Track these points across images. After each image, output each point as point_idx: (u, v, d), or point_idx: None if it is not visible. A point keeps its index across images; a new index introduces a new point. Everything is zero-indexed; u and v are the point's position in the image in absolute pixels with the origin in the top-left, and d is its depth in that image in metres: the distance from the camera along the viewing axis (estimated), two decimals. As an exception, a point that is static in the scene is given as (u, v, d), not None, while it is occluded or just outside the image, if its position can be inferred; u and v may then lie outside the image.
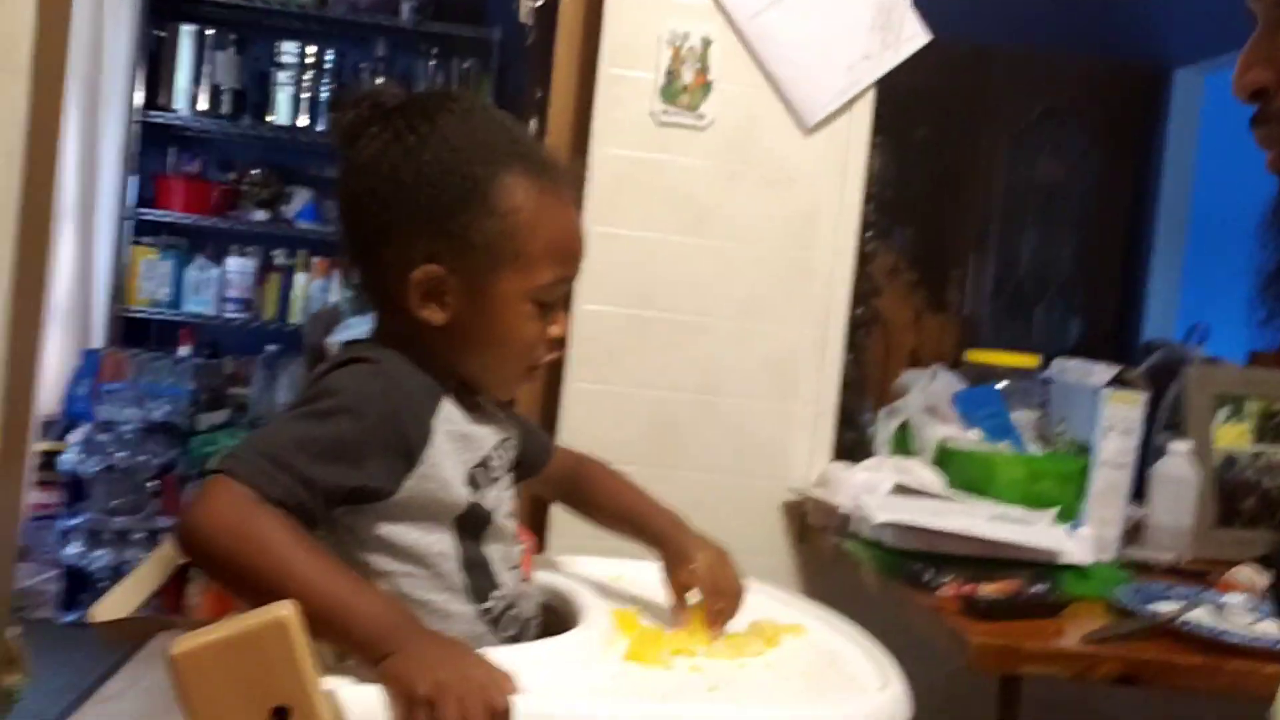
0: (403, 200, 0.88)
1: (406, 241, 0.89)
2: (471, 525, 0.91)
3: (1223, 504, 1.81)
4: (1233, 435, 1.85)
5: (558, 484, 1.14)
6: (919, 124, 4.08)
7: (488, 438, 0.94)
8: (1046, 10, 4.15)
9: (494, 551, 0.93)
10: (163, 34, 3.84)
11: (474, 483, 0.92)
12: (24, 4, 1.63)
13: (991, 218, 4.16)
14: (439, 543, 0.90)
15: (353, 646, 0.78)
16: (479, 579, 0.91)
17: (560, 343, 0.96)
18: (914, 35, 1.78)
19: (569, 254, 0.94)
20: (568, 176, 0.95)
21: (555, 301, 0.94)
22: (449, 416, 0.90)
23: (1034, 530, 1.43)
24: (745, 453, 1.83)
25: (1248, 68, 0.72)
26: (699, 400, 1.82)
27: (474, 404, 0.96)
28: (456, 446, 0.90)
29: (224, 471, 0.79)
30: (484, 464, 0.93)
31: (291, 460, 0.80)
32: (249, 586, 0.77)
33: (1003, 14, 4.13)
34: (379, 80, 3.98)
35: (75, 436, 3.14)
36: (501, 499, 0.96)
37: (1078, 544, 1.42)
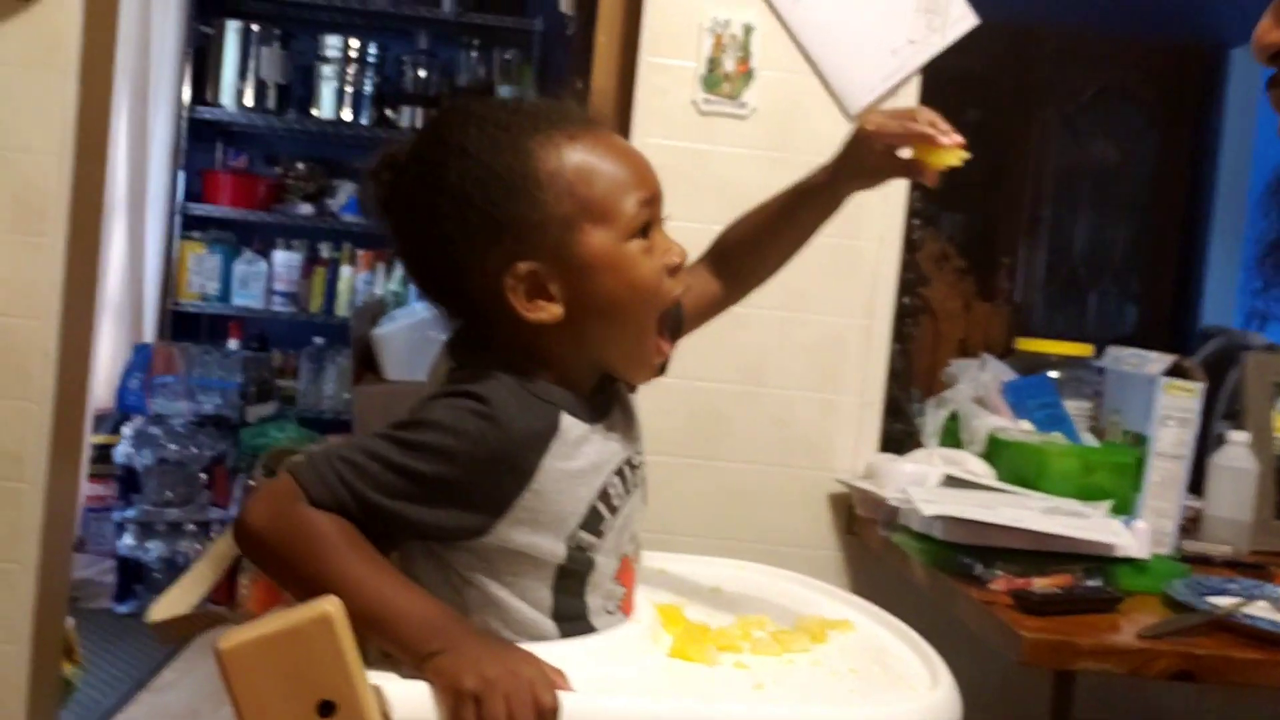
0: (456, 227, 0.85)
1: (481, 262, 0.85)
2: (571, 575, 0.87)
3: (1284, 495, 1.77)
4: (1294, 425, 1.80)
5: (712, 292, 1.09)
6: (969, 106, 4.01)
7: (610, 459, 0.89)
8: (1098, -10, 4.06)
9: (594, 598, 0.89)
10: (209, 30, 3.88)
11: (593, 517, 0.87)
12: (71, 2, 1.65)
13: (1044, 202, 4.08)
14: (531, 589, 0.86)
15: (399, 645, 0.77)
16: (572, 629, 0.87)
17: (678, 272, 0.90)
18: (961, 18, 1.75)
19: (634, 177, 0.88)
20: (587, 113, 0.90)
21: (653, 228, 0.88)
22: (565, 446, 0.85)
23: (1088, 523, 1.40)
24: (790, 444, 1.81)
25: (1268, 30, 0.69)
26: (743, 390, 1.80)
27: (603, 406, 0.91)
28: (572, 483, 0.85)
29: (291, 472, 0.79)
30: (605, 494, 0.88)
31: (354, 479, 0.79)
32: (298, 582, 0.77)
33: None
34: (421, 73, 4.00)
35: (128, 429, 3.19)
36: (622, 526, 0.90)
37: (1134, 537, 1.39)
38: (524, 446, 0.83)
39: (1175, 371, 1.69)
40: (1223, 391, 2.21)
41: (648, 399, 1.86)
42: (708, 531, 1.79)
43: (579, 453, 0.86)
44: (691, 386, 1.79)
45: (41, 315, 1.64)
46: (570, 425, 0.86)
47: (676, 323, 0.96)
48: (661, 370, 0.94)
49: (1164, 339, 4.08)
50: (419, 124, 3.96)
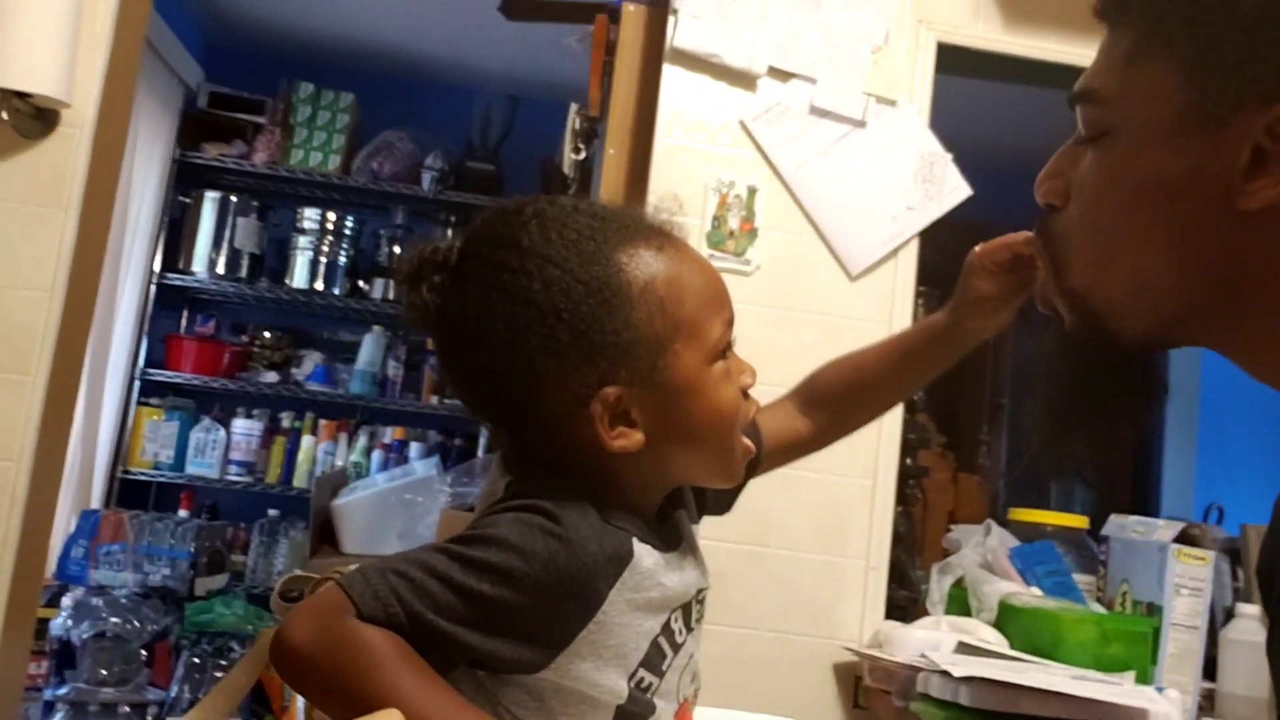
0: (540, 343, 0.77)
1: (564, 383, 0.77)
2: (630, 718, 0.79)
3: (1298, 670, 1.72)
4: (1301, 596, 1.77)
5: (796, 432, 1.04)
6: (929, 299, 4.15)
7: (682, 593, 0.82)
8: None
9: None
10: (187, 200, 3.91)
11: (655, 654, 0.80)
12: (79, 141, 1.64)
13: (1003, 391, 4.17)
14: None
15: None
16: None
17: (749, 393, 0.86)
18: (957, 188, 1.81)
19: (718, 296, 0.83)
20: (667, 225, 0.84)
21: (730, 351, 0.84)
22: (637, 576, 0.78)
23: (1124, 690, 1.34)
24: (793, 608, 1.74)
25: (1046, 177, 0.70)
26: (745, 550, 1.74)
27: (671, 535, 0.84)
28: (638, 616, 0.79)
29: (340, 584, 0.72)
30: (668, 628, 0.81)
31: (410, 596, 0.71)
32: (345, 703, 0.69)
33: (1002, 196, 4.27)
34: (396, 247, 4.03)
35: (68, 600, 2.99)
36: (684, 665, 0.84)
37: (1169, 706, 1.33)
38: (595, 574, 0.76)
39: (1184, 538, 1.67)
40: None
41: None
42: (701, 700, 1.69)
43: (650, 584, 0.79)
44: (692, 547, 1.73)
45: (15, 456, 1.55)
46: (644, 553, 0.79)
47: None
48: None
49: (1128, 528, 4.09)
50: (391, 295, 3.97)
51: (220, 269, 3.90)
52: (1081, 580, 1.84)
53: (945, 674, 1.38)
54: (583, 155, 2.01)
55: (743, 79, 1.78)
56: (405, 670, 0.70)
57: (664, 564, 0.80)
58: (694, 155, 1.79)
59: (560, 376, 0.78)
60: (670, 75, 1.79)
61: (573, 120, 2.03)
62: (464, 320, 0.80)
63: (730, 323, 0.84)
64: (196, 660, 3.05)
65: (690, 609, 0.84)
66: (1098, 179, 0.65)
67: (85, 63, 1.63)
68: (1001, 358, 4.18)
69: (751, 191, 1.78)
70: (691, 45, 1.76)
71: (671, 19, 1.77)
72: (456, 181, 4.01)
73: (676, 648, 0.82)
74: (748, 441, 0.86)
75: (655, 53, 1.83)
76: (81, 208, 1.64)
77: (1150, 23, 0.62)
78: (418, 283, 0.81)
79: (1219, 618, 1.78)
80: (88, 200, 1.65)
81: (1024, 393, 4.21)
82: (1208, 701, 1.70)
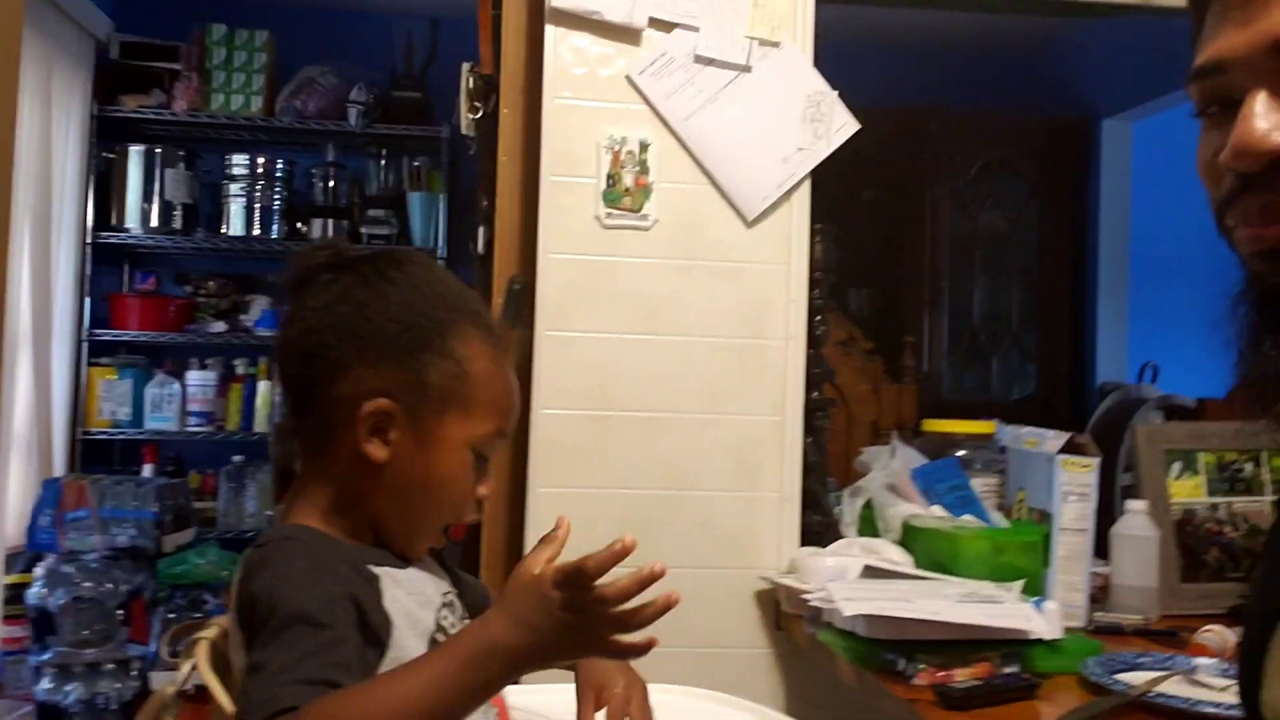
0: (365, 335, 0.92)
1: (360, 375, 0.92)
2: None
3: (1186, 559, 1.84)
4: (1188, 489, 1.88)
5: None
6: (866, 186, 4.19)
7: (433, 596, 0.94)
8: (976, 74, 4.29)
9: None
10: (111, 156, 3.86)
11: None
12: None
13: (942, 273, 4.25)
14: None
15: (504, 674, 0.80)
16: None
17: (482, 506, 0.99)
18: (844, 124, 1.84)
19: (508, 410, 0.98)
20: (510, 343, 1.00)
21: (488, 458, 0.97)
22: (393, 588, 0.90)
23: (1002, 609, 1.45)
24: (714, 544, 1.84)
25: (1273, 128, 0.71)
26: (665, 495, 1.83)
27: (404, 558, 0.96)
28: (409, 620, 0.90)
29: (275, 712, 0.76)
30: (440, 626, 0.93)
31: (318, 674, 0.78)
32: None
33: (936, 80, 4.27)
34: (330, 183, 4.02)
35: (40, 569, 3.08)
36: None
37: (1044, 620, 1.44)
38: (366, 587, 0.88)
39: (1071, 447, 1.77)
40: (1124, 444, 2.31)
41: (570, 511, 1.85)
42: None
43: (402, 582, 0.91)
44: (613, 495, 1.82)
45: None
46: (384, 569, 0.91)
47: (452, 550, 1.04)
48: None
49: (1064, 396, 4.24)
50: (330, 234, 3.97)
51: (154, 222, 3.88)
52: (987, 484, 1.94)
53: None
54: (480, 114, 2.02)
55: (625, 33, 1.79)
56: (382, 687, 0.78)
57: (404, 570, 0.93)
58: (584, 114, 1.81)
59: (361, 367, 0.92)
60: (553, 35, 1.79)
61: (466, 79, 2.04)
62: (326, 292, 0.94)
63: (502, 436, 0.97)
64: (172, 615, 3.16)
65: (454, 606, 0.97)
66: None
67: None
68: (939, 238, 4.24)
69: (643, 146, 1.81)
70: (570, 4, 1.76)
71: (549, -23, 1.76)
72: (384, 113, 3.97)
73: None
74: (432, 545, 0.98)
75: (539, 8, 1.83)
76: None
77: None
78: (308, 257, 0.96)
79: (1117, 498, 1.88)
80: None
81: (963, 272, 4.30)
82: (1102, 591, 1.82)
